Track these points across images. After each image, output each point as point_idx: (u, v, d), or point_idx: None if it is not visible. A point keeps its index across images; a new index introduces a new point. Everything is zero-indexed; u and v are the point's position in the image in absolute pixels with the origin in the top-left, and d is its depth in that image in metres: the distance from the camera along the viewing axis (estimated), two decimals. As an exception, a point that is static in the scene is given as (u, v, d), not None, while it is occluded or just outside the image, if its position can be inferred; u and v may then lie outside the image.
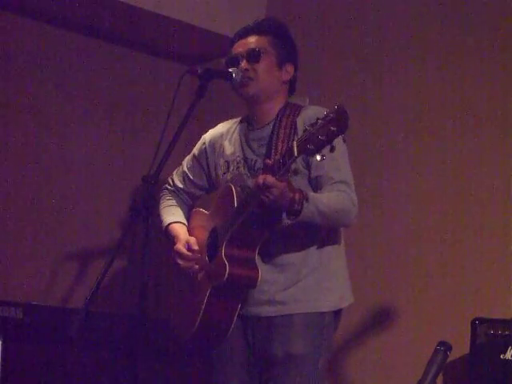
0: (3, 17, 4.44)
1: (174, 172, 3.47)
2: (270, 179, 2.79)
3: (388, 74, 4.30)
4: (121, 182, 4.73)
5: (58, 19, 4.57)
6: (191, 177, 3.41)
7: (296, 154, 2.71)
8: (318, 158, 2.67)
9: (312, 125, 2.67)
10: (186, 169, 3.42)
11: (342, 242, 3.21)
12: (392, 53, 4.30)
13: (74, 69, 4.66)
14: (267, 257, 3.08)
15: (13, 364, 3.71)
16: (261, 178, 2.81)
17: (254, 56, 3.16)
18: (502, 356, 3.40)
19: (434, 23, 4.18)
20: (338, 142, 2.69)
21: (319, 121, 2.65)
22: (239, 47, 3.22)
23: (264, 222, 3.01)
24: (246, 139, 3.22)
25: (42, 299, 4.26)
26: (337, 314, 3.15)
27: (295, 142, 2.72)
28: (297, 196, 2.86)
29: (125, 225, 4.48)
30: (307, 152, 2.68)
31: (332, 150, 2.65)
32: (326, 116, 2.64)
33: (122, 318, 4.02)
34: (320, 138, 2.64)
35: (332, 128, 2.63)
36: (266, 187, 2.79)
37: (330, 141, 2.64)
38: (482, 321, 3.48)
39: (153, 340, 3.75)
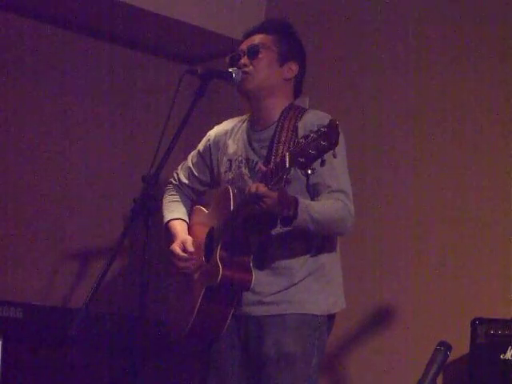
0: (3, 17, 4.44)
1: (180, 166, 3.48)
2: (262, 189, 2.80)
3: (388, 74, 4.30)
4: (121, 181, 4.73)
5: (58, 19, 4.57)
6: (196, 173, 3.41)
7: (287, 165, 2.71)
8: (309, 171, 2.69)
9: (305, 137, 2.68)
10: (190, 164, 3.43)
11: (338, 249, 3.21)
12: (392, 53, 4.30)
13: (74, 69, 4.66)
14: (263, 260, 3.09)
15: (13, 364, 3.71)
16: (253, 187, 2.83)
17: (253, 51, 3.16)
18: (502, 356, 3.40)
19: (435, 23, 4.18)
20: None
21: (311, 134, 2.66)
22: (243, 45, 3.23)
23: (258, 227, 3.03)
24: (248, 139, 3.23)
25: (41, 299, 4.26)
26: (329, 319, 3.16)
27: (288, 154, 2.72)
28: (289, 206, 2.88)
29: (125, 225, 4.48)
30: (298, 165, 2.68)
31: (322, 164, 2.66)
32: (318, 130, 2.65)
33: (121, 318, 4.03)
34: (310, 152, 2.64)
35: (322, 143, 2.63)
36: (258, 196, 2.81)
37: (319, 155, 2.64)
38: (482, 321, 3.48)
39: (153, 340, 3.75)
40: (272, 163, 2.93)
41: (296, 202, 2.91)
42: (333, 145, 2.63)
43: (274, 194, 2.81)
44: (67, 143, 4.62)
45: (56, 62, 4.60)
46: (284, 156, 2.72)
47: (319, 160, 2.65)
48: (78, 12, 4.50)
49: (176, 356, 4.21)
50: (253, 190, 2.82)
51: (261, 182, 2.84)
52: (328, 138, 2.63)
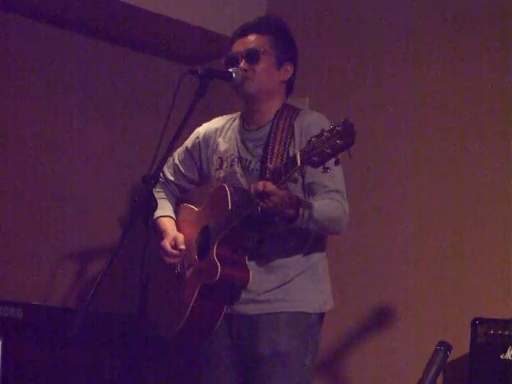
0: (3, 17, 4.44)
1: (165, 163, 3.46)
2: (271, 187, 2.79)
3: (388, 75, 4.30)
4: (121, 182, 4.73)
5: (58, 19, 4.56)
6: (182, 170, 3.41)
7: (299, 163, 2.71)
8: (321, 170, 2.68)
9: (317, 136, 2.66)
10: (177, 161, 3.42)
11: (326, 250, 3.23)
12: (392, 53, 4.30)
13: (74, 69, 4.66)
14: (257, 258, 3.10)
15: (13, 364, 3.70)
16: (261, 185, 2.81)
17: (253, 56, 3.16)
18: (501, 356, 3.41)
19: (435, 23, 4.18)
20: None
21: (325, 133, 2.65)
22: (239, 46, 3.21)
23: (257, 225, 3.03)
24: (241, 138, 3.23)
25: (41, 299, 4.26)
26: (319, 317, 3.17)
27: (299, 152, 2.71)
28: (292, 205, 2.89)
29: (125, 225, 4.47)
30: (311, 163, 2.67)
31: (337, 163, 2.66)
32: (333, 129, 2.63)
33: (121, 318, 4.02)
34: (325, 151, 2.64)
35: (338, 142, 2.62)
36: (266, 194, 2.80)
37: (335, 154, 2.64)
38: (482, 321, 3.48)
39: (152, 340, 3.75)
40: (279, 161, 2.94)
41: (298, 201, 2.91)
42: (349, 144, 2.63)
43: (283, 193, 2.82)
44: (67, 143, 4.62)
45: (56, 62, 4.60)
46: (295, 154, 2.72)
47: (333, 159, 2.65)
48: (78, 12, 4.50)
49: (176, 356, 4.20)
50: (260, 187, 2.81)
51: (267, 179, 2.82)
52: (343, 136, 2.62)
